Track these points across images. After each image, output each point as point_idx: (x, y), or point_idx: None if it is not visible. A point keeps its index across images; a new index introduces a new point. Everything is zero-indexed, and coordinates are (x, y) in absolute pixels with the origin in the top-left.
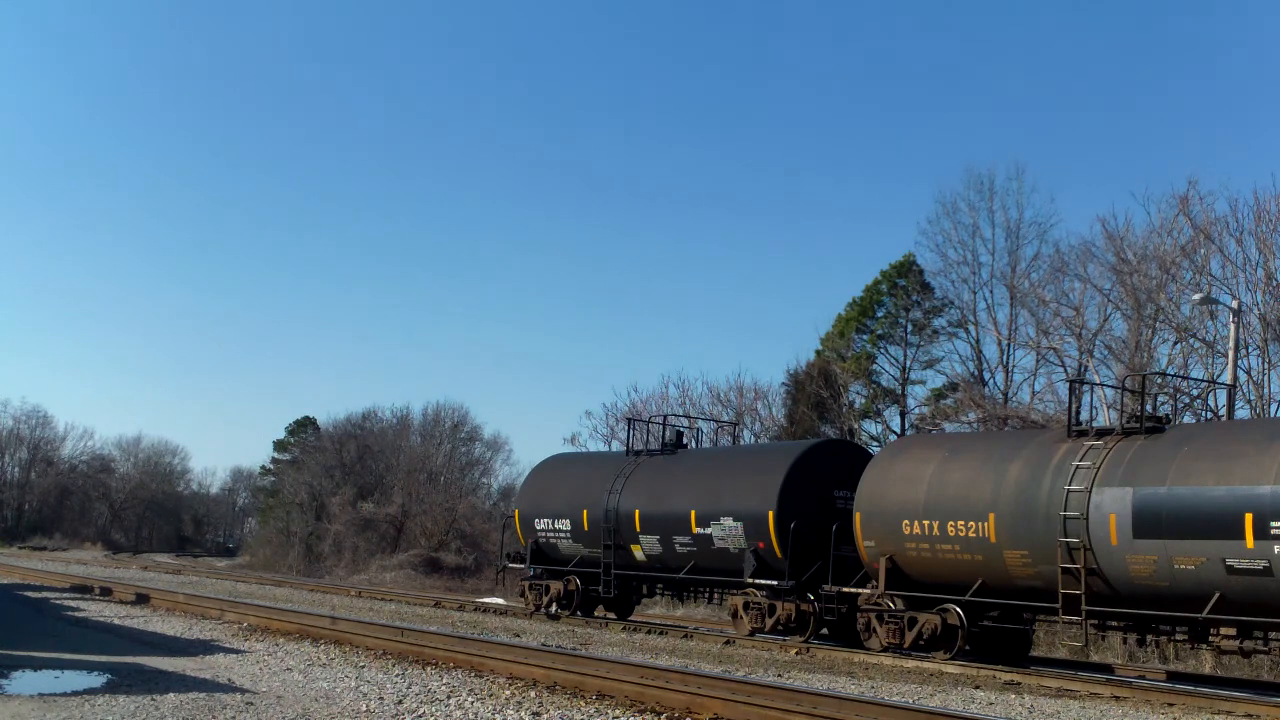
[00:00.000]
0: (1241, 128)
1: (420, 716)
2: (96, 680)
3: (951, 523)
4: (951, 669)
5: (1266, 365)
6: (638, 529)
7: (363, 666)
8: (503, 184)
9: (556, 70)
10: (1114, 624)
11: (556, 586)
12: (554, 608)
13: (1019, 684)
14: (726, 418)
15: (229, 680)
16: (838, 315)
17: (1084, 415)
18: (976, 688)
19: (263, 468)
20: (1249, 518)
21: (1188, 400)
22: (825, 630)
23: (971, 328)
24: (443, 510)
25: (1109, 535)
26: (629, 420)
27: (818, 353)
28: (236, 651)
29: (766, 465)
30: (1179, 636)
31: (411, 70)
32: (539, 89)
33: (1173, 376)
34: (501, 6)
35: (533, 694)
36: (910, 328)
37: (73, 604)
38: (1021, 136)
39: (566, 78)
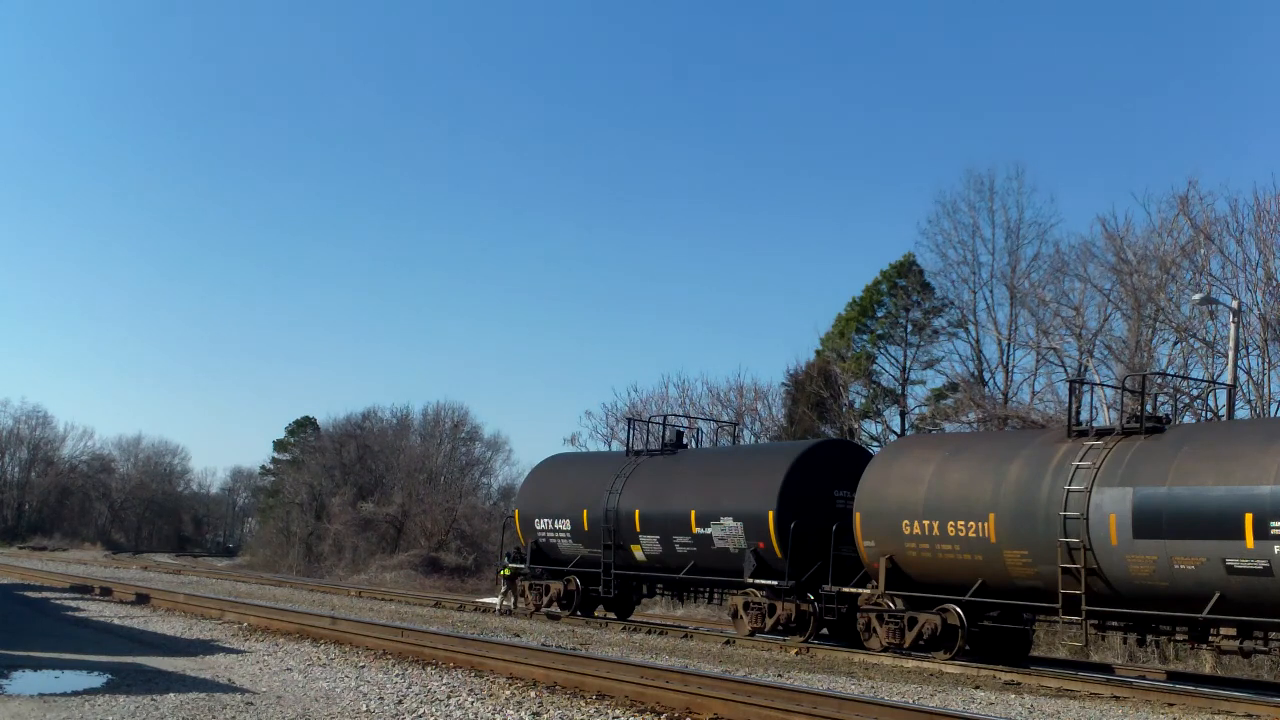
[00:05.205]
0: (1242, 128)
1: (420, 716)
2: (97, 680)
3: (951, 523)
4: (951, 669)
5: (1266, 365)
6: (638, 529)
7: (363, 666)
8: (503, 184)
9: (555, 70)
10: (1114, 624)
11: (556, 586)
12: (554, 607)
13: (1019, 684)
14: (726, 418)
15: (229, 680)
16: (838, 315)
17: (1084, 415)
18: (976, 688)
19: (263, 468)
20: (1249, 518)
21: (1188, 400)
22: (825, 630)
23: (971, 328)
24: (443, 510)
25: (1109, 535)
26: (629, 420)
27: (818, 353)
28: (236, 651)
29: (766, 465)
30: (1179, 636)
31: (412, 71)
32: (538, 89)
33: (1173, 376)
34: (500, 7)
35: (533, 694)
36: (910, 328)
37: (73, 604)
38: (1021, 136)
39: (565, 78)
